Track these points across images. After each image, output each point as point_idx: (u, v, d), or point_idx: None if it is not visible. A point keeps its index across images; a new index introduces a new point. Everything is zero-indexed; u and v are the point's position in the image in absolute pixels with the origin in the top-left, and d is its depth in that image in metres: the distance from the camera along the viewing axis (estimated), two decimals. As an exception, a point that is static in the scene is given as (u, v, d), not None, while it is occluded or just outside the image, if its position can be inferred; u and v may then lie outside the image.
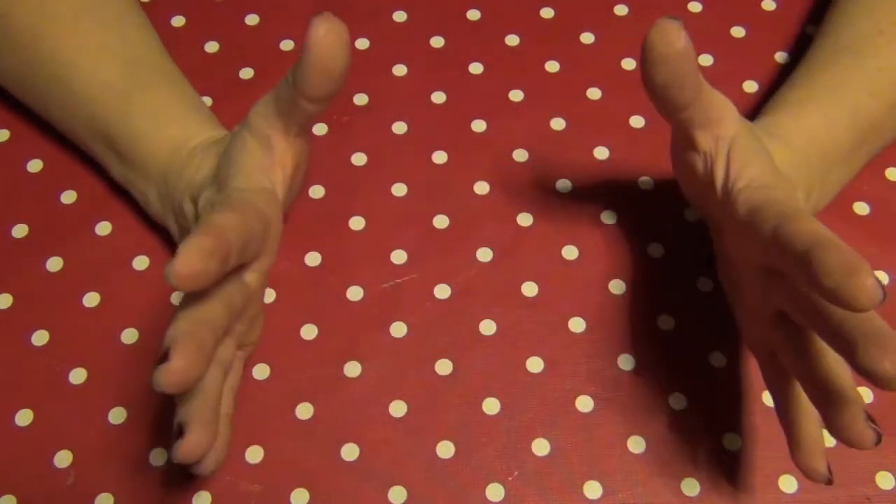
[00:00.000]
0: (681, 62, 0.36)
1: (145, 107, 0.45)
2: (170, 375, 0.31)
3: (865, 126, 0.44)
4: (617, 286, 0.47)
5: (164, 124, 0.45)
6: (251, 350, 0.42)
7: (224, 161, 0.41)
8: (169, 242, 0.47)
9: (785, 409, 0.38)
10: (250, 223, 0.36)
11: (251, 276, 0.38)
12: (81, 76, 0.45)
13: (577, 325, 0.46)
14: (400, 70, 0.53)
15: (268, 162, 0.40)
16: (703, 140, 0.39)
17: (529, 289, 0.46)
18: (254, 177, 0.39)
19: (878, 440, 0.33)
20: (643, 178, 0.49)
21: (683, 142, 0.40)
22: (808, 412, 0.38)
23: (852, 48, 0.46)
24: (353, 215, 0.48)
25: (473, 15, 0.55)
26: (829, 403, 0.34)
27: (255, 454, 0.43)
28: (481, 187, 0.49)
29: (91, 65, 0.46)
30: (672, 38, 0.35)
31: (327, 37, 0.35)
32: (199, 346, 0.32)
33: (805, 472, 0.37)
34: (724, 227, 0.40)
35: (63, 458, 0.42)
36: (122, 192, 0.49)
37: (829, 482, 0.37)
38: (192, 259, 0.32)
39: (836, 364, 0.35)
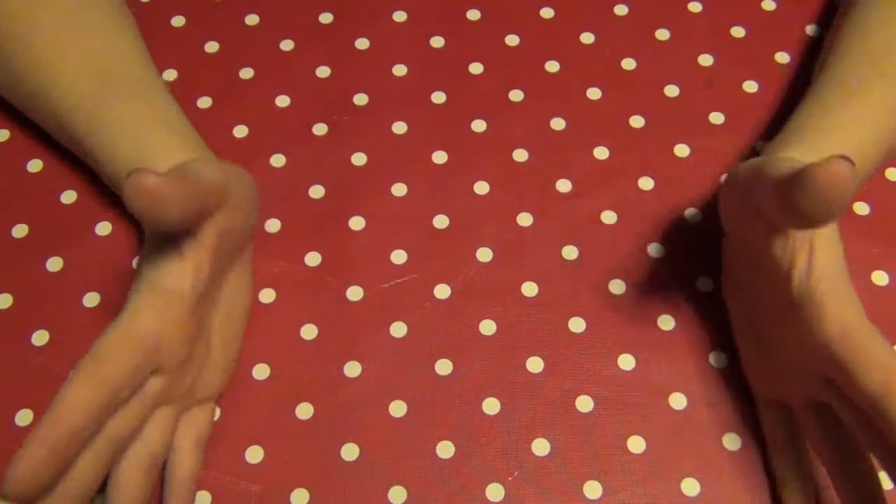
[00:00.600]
0: (841, 206, 0.32)
1: (111, 122, 0.44)
2: None
3: (887, 141, 0.43)
4: (617, 286, 0.47)
5: (127, 142, 0.43)
6: (216, 394, 0.42)
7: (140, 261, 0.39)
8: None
9: (784, 466, 0.40)
10: (139, 356, 0.35)
11: (156, 383, 0.37)
12: (62, 87, 0.45)
13: (577, 325, 0.46)
14: (400, 70, 0.53)
15: (176, 268, 0.37)
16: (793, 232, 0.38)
17: (529, 289, 0.46)
18: (162, 282, 0.37)
19: None
20: (643, 178, 0.49)
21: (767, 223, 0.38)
22: (809, 482, 0.40)
23: (875, 63, 0.45)
24: (353, 215, 0.48)
25: (473, 15, 0.55)
26: None
27: (255, 454, 0.43)
28: (481, 187, 0.49)
29: (71, 75, 0.45)
30: (845, 185, 0.31)
31: (141, 197, 0.32)
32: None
33: None
34: (787, 313, 0.38)
35: (63, 458, 0.42)
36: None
37: None
38: (23, 475, 0.31)
39: (878, 479, 0.36)
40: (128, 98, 0.45)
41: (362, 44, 0.54)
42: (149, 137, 0.43)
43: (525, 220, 0.48)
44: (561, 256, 0.47)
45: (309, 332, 0.45)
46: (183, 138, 0.44)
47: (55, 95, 0.45)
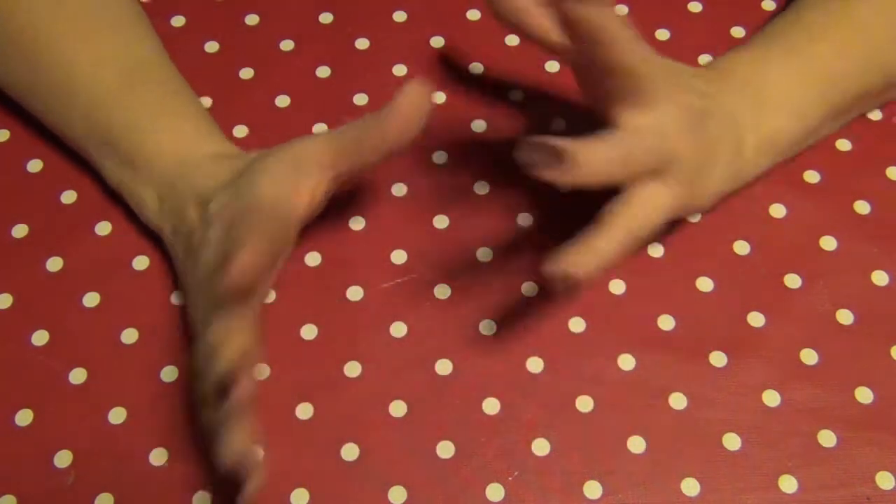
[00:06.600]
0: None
1: (151, 111, 0.45)
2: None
3: (808, 61, 0.45)
4: (617, 286, 0.47)
5: (172, 129, 0.45)
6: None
7: (249, 173, 0.41)
8: (169, 242, 0.47)
9: None
10: (273, 246, 0.39)
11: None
12: (83, 80, 0.45)
13: (577, 325, 0.46)
14: (400, 70, 0.53)
15: (298, 187, 0.40)
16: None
17: (530, 289, 0.46)
18: (280, 191, 0.40)
19: None
20: (643, 178, 0.49)
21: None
22: None
23: (805, 6, 0.47)
24: (353, 215, 0.48)
25: (473, 15, 0.55)
26: None
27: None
28: (481, 187, 0.49)
29: (93, 69, 0.46)
30: None
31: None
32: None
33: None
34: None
35: (63, 458, 0.42)
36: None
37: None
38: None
39: None
40: (160, 91, 0.46)
41: (362, 44, 0.54)
42: (196, 126, 0.46)
43: (525, 220, 0.48)
44: (561, 256, 0.47)
45: (309, 332, 0.45)
46: (219, 133, 0.46)
47: (77, 86, 0.46)
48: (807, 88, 0.45)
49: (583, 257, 0.38)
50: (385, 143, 0.40)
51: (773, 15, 0.55)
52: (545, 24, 0.42)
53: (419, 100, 0.40)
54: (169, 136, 0.45)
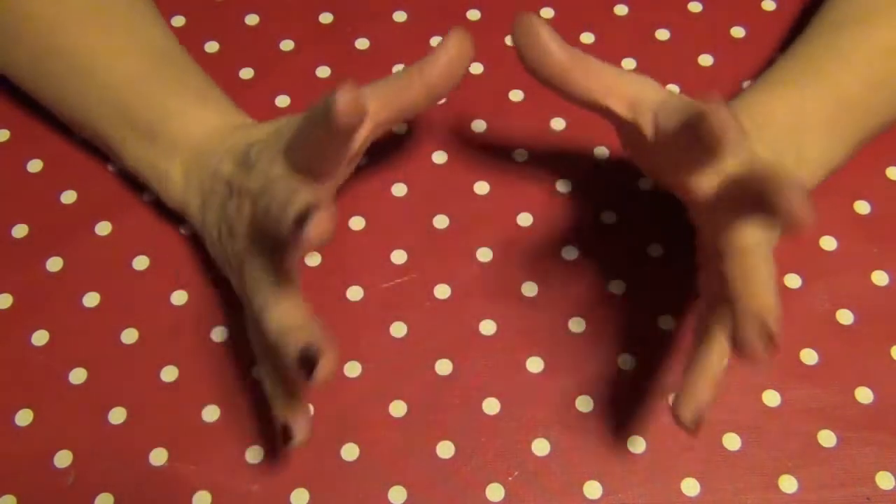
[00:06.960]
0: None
1: (174, 90, 0.45)
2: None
3: (843, 98, 0.44)
4: (617, 286, 0.47)
5: (198, 105, 0.45)
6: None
7: (290, 121, 0.41)
8: (170, 242, 0.47)
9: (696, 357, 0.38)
10: None
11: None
12: (106, 66, 0.46)
13: (577, 325, 0.46)
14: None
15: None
16: (620, 109, 0.40)
17: (529, 289, 0.46)
18: None
19: None
20: (643, 179, 0.49)
21: (610, 121, 0.41)
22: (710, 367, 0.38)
23: (832, 29, 0.46)
24: (353, 215, 0.49)
25: (473, 15, 0.55)
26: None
27: (255, 454, 0.43)
28: (481, 187, 0.49)
29: (116, 56, 0.46)
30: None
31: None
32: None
33: (679, 417, 0.37)
34: (659, 161, 0.41)
35: (63, 458, 0.42)
36: (122, 192, 0.49)
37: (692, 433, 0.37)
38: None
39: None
40: (184, 75, 0.47)
41: (362, 44, 0.54)
42: (225, 104, 0.46)
43: (525, 220, 0.48)
44: (561, 256, 0.47)
45: (309, 332, 0.45)
46: (236, 109, 0.47)
47: (100, 73, 0.46)
48: (843, 126, 0.44)
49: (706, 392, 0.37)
50: (426, 94, 0.40)
51: (774, 15, 0.55)
52: (600, 86, 0.40)
53: (460, 48, 0.40)
54: (195, 111, 0.45)
